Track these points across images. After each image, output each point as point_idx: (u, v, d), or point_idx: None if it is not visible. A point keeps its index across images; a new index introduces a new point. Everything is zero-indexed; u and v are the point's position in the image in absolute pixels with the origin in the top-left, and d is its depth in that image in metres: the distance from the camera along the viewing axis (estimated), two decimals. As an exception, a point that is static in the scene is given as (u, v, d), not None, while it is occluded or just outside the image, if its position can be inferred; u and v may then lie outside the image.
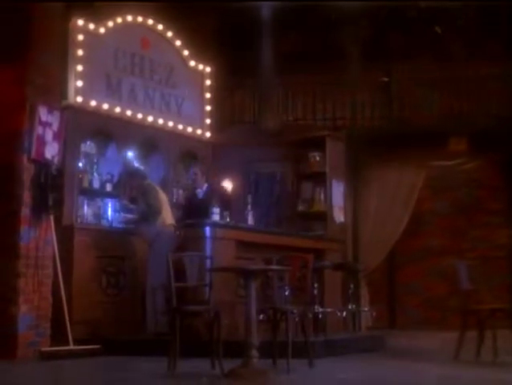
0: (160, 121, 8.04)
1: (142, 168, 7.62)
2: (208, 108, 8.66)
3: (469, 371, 5.46)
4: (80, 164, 7.28)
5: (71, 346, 6.20)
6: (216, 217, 6.81)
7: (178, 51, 8.41)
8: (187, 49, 8.46)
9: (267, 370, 5.10)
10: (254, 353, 4.97)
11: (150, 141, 7.98)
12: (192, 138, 8.42)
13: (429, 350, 7.48)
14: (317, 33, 10.45)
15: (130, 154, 7.78)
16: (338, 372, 5.35)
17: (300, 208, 9.27)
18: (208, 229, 6.51)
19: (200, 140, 8.51)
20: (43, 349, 6.10)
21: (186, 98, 8.41)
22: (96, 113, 7.38)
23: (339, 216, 9.09)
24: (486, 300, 6.49)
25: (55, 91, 6.69)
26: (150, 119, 7.93)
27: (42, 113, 6.30)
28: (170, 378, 5.05)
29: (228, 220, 7.05)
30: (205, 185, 7.60)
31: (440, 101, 10.29)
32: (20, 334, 5.99)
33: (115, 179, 7.66)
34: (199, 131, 8.51)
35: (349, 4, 9.80)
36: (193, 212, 7.26)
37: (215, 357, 5.31)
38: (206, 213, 6.82)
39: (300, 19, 10.17)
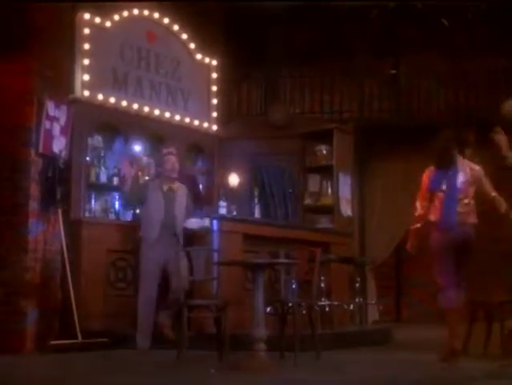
0: (167, 114, 8.04)
1: None
2: (214, 101, 8.64)
3: (476, 364, 5.46)
4: (87, 158, 7.29)
5: (79, 340, 6.23)
6: (223, 211, 6.80)
7: (184, 44, 8.39)
8: (193, 42, 8.45)
9: (274, 363, 5.11)
10: (262, 346, 4.98)
11: (157, 134, 7.98)
12: (198, 131, 8.41)
13: (436, 342, 7.46)
14: (325, 25, 10.41)
15: (137, 148, 7.78)
16: (345, 365, 5.35)
17: (307, 201, 9.27)
18: (215, 223, 6.51)
19: (206, 133, 8.50)
20: (52, 342, 6.13)
21: (193, 91, 8.40)
22: (103, 107, 7.38)
23: (346, 209, 9.08)
24: (493, 293, 6.48)
25: (62, 85, 6.70)
26: (157, 112, 7.92)
27: (50, 107, 6.32)
28: (178, 371, 5.07)
29: (234, 213, 7.05)
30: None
31: (449, 94, 10.24)
32: (28, 327, 6.02)
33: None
34: (205, 125, 8.50)
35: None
36: None
37: (222, 350, 5.32)
38: None
39: (308, 11, 10.13)
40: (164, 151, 6.75)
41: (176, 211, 6.48)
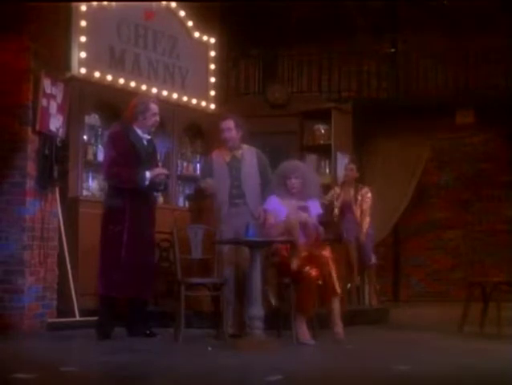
0: (165, 93, 7.99)
1: None
2: (212, 80, 8.59)
3: (473, 342, 5.49)
4: (84, 137, 7.25)
5: (77, 318, 6.24)
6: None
7: (182, 22, 8.33)
8: (191, 20, 8.38)
9: (271, 341, 5.13)
10: (259, 324, 5.00)
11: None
12: (196, 110, 8.37)
13: (433, 322, 7.51)
14: (323, 3, 10.31)
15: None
16: (342, 343, 5.37)
17: (305, 180, 9.23)
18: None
19: (204, 112, 8.46)
20: (50, 320, 6.15)
21: (190, 69, 8.34)
22: (100, 84, 7.33)
23: (344, 188, 9.04)
24: (491, 273, 6.51)
25: (59, 63, 6.64)
26: (154, 90, 7.88)
27: (46, 85, 6.26)
28: (175, 348, 5.09)
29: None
30: None
31: (448, 73, 10.18)
32: (26, 305, 6.03)
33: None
34: (203, 103, 8.45)
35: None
36: None
37: (220, 327, 5.34)
38: None
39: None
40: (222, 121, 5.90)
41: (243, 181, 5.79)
